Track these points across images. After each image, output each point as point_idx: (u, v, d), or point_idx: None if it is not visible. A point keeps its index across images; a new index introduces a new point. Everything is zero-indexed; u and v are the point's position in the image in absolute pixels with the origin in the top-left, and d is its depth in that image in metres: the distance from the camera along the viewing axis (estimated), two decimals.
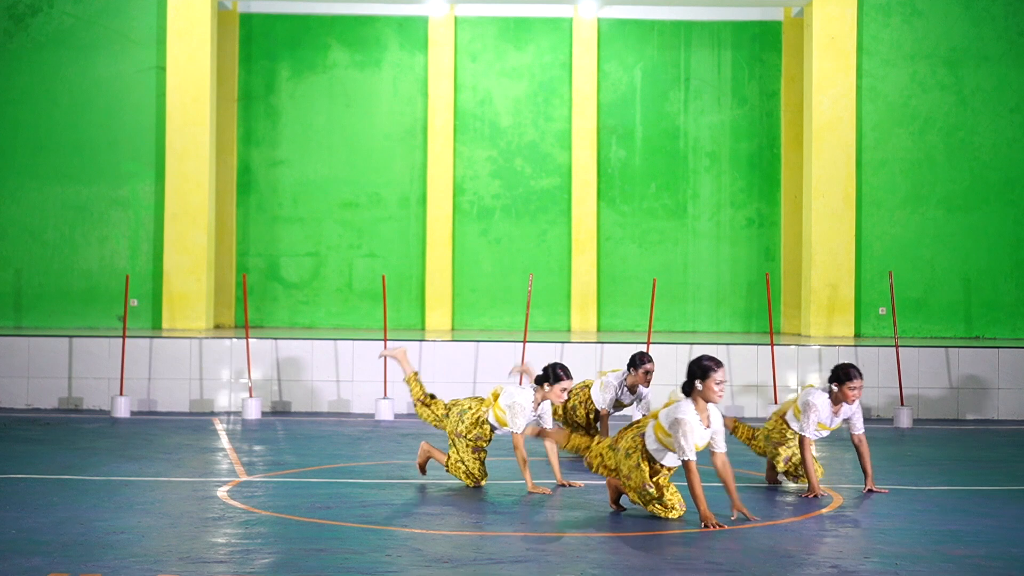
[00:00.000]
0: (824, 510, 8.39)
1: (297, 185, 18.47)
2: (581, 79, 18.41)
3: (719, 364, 7.78)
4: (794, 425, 9.09)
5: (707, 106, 18.55)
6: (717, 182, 18.53)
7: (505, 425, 9.01)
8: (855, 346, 14.80)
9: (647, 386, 10.81)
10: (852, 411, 9.04)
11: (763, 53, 18.55)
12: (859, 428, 9.06)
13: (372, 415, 14.06)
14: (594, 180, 18.40)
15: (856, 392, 8.87)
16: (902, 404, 14.00)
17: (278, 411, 14.42)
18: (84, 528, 7.45)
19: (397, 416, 14.03)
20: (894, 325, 14.49)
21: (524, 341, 14.19)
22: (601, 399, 10.83)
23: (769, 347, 14.27)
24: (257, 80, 18.48)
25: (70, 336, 14.69)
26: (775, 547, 7.17)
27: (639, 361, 10.75)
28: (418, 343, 14.59)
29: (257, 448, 11.39)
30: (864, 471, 9.12)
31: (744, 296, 18.32)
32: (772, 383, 14.03)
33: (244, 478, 9.53)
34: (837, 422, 9.03)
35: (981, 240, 17.75)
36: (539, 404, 9.09)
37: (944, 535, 7.55)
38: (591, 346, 14.57)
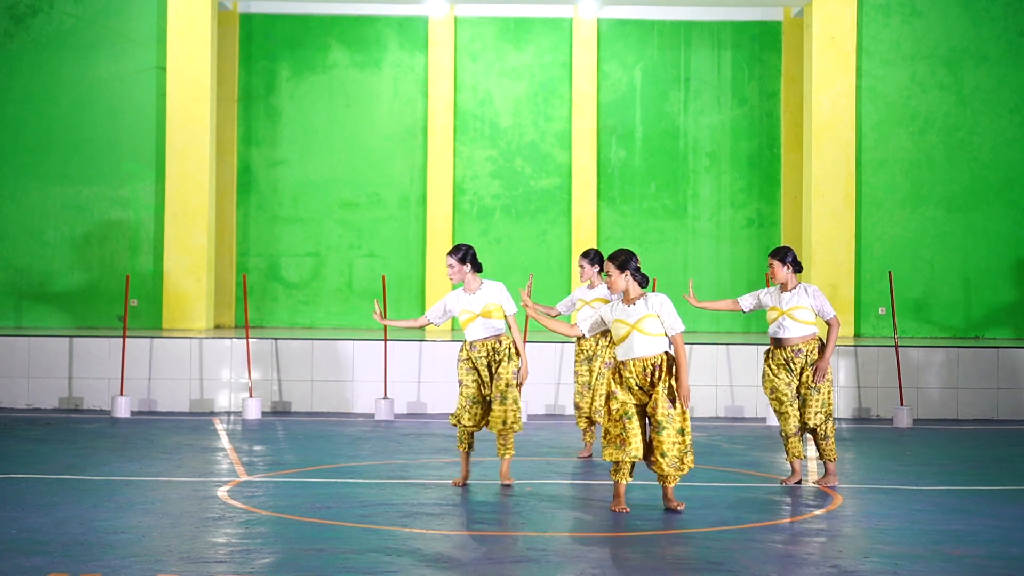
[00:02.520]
0: (824, 510, 8.39)
1: (297, 185, 18.47)
2: (581, 79, 18.41)
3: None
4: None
5: (707, 106, 18.55)
6: (717, 182, 18.53)
7: None
8: (855, 346, 14.80)
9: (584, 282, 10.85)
10: (810, 299, 9.41)
11: (763, 53, 18.56)
12: (826, 315, 9.44)
13: (372, 415, 14.07)
14: (594, 180, 18.40)
15: (771, 270, 9.40)
16: (902, 404, 14.00)
17: (278, 411, 14.42)
18: (84, 528, 7.45)
19: (397, 416, 14.03)
20: (894, 325, 14.48)
21: (524, 341, 14.16)
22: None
23: (769, 347, 14.24)
24: (257, 80, 18.48)
25: (70, 336, 14.69)
26: (775, 547, 7.17)
27: None
28: (418, 343, 14.59)
29: (257, 448, 11.39)
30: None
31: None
32: None
33: (244, 478, 9.54)
34: (791, 305, 9.41)
35: (981, 240, 17.75)
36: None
37: (944, 535, 7.55)
38: None
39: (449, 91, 18.40)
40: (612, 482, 9.51)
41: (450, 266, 9.16)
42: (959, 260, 17.76)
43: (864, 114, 17.68)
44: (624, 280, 8.22)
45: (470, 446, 9.21)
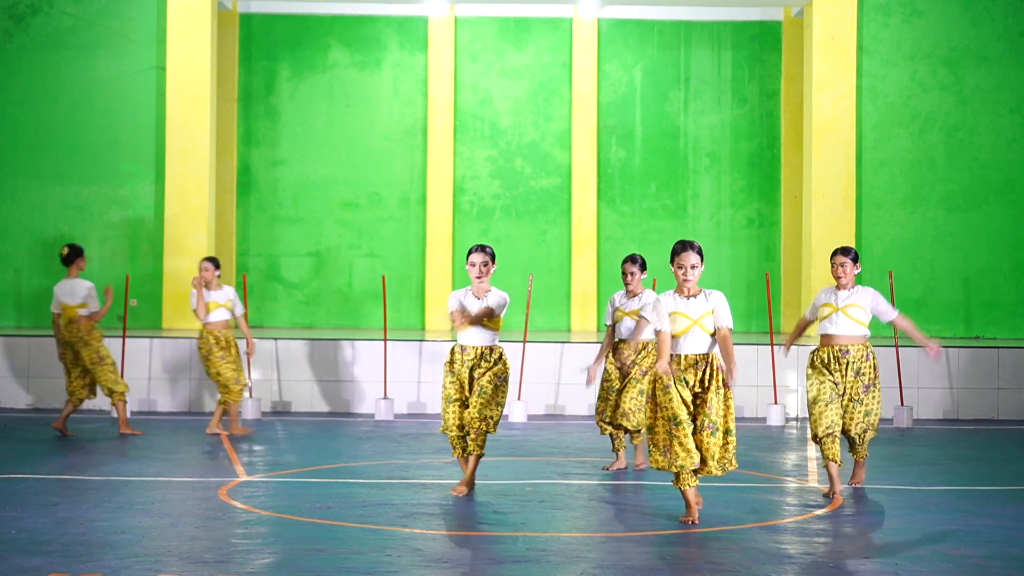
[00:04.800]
0: (824, 510, 8.39)
1: (297, 185, 18.47)
2: (581, 79, 18.41)
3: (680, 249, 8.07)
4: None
5: (707, 106, 18.55)
6: (717, 182, 18.53)
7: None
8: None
9: (629, 289, 10.02)
10: (866, 300, 9.16)
11: (763, 53, 18.55)
12: (886, 316, 9.34)
13: (372, 415, 14.07)
14: (594, 180, 18.40)
15: (835, 268, 9.12)
16: (902, 404, 14.00)
17: (278, 411, 14.42)
18: (84, 528, 7.45)
19: (397, 416, 14.03)
20: (894, 325, 14.45)
21: (524, 341, 14.19)
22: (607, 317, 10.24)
23: (769, 347, 14.27)
24: (257, 80, 18.48)
25: None
26: (775, 547, 7.17)
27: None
28: (418, 343, 14.59)
29: (257, 448, 11.40)
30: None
31: (744, 296, 18.30)
32: (772, 383, 14.02)
33: (244, 478, 9.54)
34: (847, 302, 9.12)
35: (981, 240, 17.75)
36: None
37: (944, 535, 7.55)
38: (591, 346, 14.57)
39: (449, 91, 18.40)
40: (613, 482, 9.51)
41: (484, 264, 8.78)
42: (959, 260, 17.76)
43: (864, 114, 17.68)
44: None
45: (463, 450, 8.92)
